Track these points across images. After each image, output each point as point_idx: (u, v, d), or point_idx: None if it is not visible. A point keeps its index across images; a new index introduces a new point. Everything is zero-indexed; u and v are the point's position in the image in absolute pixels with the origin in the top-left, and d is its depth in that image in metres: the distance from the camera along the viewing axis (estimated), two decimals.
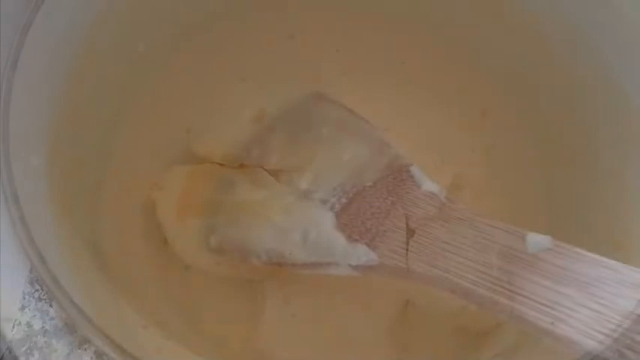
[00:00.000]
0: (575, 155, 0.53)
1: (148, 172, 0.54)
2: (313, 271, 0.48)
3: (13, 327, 0.37)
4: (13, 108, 0.39)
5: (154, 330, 0.47)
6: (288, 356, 0.52)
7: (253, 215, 0.51)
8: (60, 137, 0.44)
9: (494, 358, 0.48)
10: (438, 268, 0.42)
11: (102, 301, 0.46)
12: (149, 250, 0.53)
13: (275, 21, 0.56)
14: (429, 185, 0.46)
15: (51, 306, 0.38)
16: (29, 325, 0.37)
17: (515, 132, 0.56)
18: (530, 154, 0.56)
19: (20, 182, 0.39)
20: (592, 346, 0.37)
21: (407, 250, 0.44)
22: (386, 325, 0.53)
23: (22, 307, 0.37)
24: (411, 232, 0.44)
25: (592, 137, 0.51)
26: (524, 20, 0.51)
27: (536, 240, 0.40)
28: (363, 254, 0.45)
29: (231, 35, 0.56)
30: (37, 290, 0.38)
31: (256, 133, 0.55)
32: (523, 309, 0.38)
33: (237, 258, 0.51)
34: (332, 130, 0.52)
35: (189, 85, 0.55)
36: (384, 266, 0.44)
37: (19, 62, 0.39)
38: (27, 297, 0.37)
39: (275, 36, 0.57)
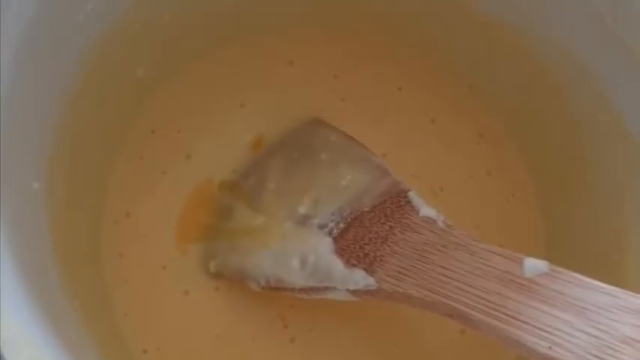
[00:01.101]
0: (572, 180, 0.53)
1: (148, 197, 0.54)
2: (312, 296, 0.48)
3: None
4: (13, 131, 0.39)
5: (154, 355, 0.47)
6: None
7: (252, 241, 0.51)
8: (59, 162, 0.44)
9: None
10: (436, 292, 0.42)
11: (101, 325, 0.46)
12: (148, 275, 0.53)
13: (274, 47, 0.57)
14: (426, 211, 0.47)
15: None
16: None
17: (512, 157, 0.57)
18: (527, 179, 0.56)
19: (20, 207, 0.39)
20: None
21: (405, 275, 0.44)
22: (389, 351, 0.53)
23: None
24: (409, 257, 0.44)
25: (589, 163, 0.51)
26: (521, 47, 0.51)
27: (534, 265, 0.40)
28: (361, 279, 0.45)
29: (230, 61, 0.56)
30: None
31: (255, 158, 0.56)
32: (521, 333, 0.38)
33: (236, 283, 0.52)
34: (330, 156, 0.52)
35: (189, 111, 0.56)
36: (382, 291, 0.44)
37: (17, 86, 0.39)
38: None
39: (274, 62, 0.57)
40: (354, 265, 0.46)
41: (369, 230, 0.47)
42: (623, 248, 0.48)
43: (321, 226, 0.49)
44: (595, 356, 0.37)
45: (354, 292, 0.46)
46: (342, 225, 0.49)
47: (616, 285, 0.38)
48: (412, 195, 0.48)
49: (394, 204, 0.48)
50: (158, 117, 0.55)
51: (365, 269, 0.45)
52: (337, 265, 0.47)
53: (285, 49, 0.57)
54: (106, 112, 0.50)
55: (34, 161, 0.42)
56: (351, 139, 0.53)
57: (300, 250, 0.49)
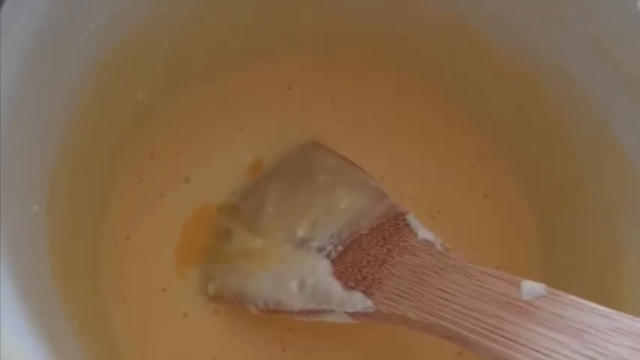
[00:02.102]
0: (569, 204, 0.53)
1: (148, 219, 0.54)
2: (310, 319, 0.48)
3: None
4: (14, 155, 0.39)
5: None
6: None
7: (251, 263, 0.51)
8: (59, 185, 0.44)
9: None
10: (434, 315, 0.42)
11: (100, 346, 0.46)
12: (147, 297, 0.53)
13: (272, 71, 0.57)
14: (424, 234, 0.47)
15: None
16: None
17: (509, 180, 0.57)
18: (524, 202, 0.57)
19: (20, 229, 0.39)
20: None
21: (403, 297, 0.44)
22: None
23: None
24: (406, 280, 0.45)
25: (586, 187, 0.51)
26: (520, 70, 0.51)
27: (531, 287, 0.40)
28: (359, 301, 0.45)
29: (229, 85, 0.56)
30: None
31: (254, 181, 0.56)
32: (518, 356, 0.39)
33: (235, 305, 0.52)
34: (328, 179, 0.53)
35: (188, 134, 0.56)
36: (381, 313, 0.44)
37: (17, 109, 0.39)
38: None
39: (272, 85, 0.57)
40: (352, 288, 0.46)
41: (368, 253, 0.48)
42: (620, 271, 0.48)
43: (320, 249, 0.49)
44: None
45: (353, 315, 0.46)
46: (340, 248, 0.49)
47: (613, 308, 0.38)
48: (410, 218, 0.48)
49: (392, 227, 0.48)
50: (157, 140, 0.55)
51: (363, 292, 0.46)
52: (335, 287, 0.47)
53: (283, 72, 0.57)
54: (106, 135, 0.50)
55: (34, 184, 0.42)
56: (348, 162, 0.54)
57: (298, 272, 0.49)
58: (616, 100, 0.46)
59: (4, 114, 0.38)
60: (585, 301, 0.39)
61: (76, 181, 0.47)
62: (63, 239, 0.44)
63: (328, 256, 0.49)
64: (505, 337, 0.39)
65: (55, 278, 0.42)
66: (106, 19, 0.44)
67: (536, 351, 0.38)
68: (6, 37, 0.38)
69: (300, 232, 0.51)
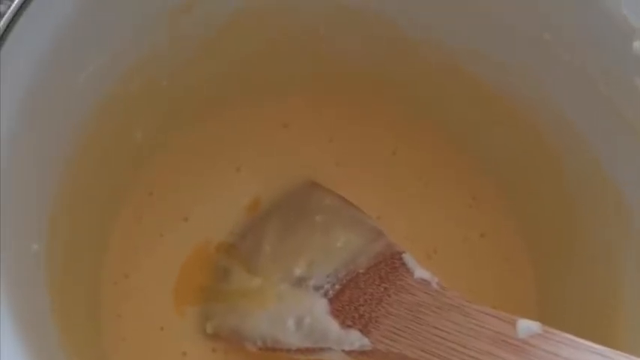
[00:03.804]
0: (565, 243, 0.53)
1: (146, 258, 0.55)
2: (308, 357, 0.48)
3: None
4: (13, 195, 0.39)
5: None
6: None
7: (248, 302, 0.52)
8: (59, 223, 0.44)
9: None
10: (431, 353, 0.42)
11: None
12: (146, 336, 0.53)
13: (269, 110, 0.57)
14: (421, 273, 0.47)
15: None
16: None
17: (505, 220, 0.57)
18: (520, 242, 0.57)
19: (20, 267, 0.39)
20: None
21: (400, 335, 0.44)
22: None
23: None
24: (403, 318, 0.45)
25: (582, 226, 0.51)
26: (516, 113, 0.52)
27: (527, 326, 0.40)
28: (356, 340, 0.45)
29: (227, 124, 0.57)
30: None
31: (251, 221, 0.56)
32: None
33: (233, 344, 0.52)
34: (326, 218, 0.53)
35: (186, 173, 0.56)
36: (378, 351, 0.45)
37: (16, 150, 0.39)
38: None
39: (270, 125, 0.58)
40: (349, 326, 0.46)
41: (364, 292, 0.48)
42: (615, 310, 0.48)
43: (317, 288, 0.50)
44: None
45: (350, 353, 0.46)
46: (337, 286, 0.49)
47: (607, 346, 0.38)
48: (407, 257, 0.48)
49: (389, 266, 0.48)
50: (156, 179, 0.56)
51: (360, 330, 0.46)
52: (333, 326, 0.47)
53: (280, 111, 0.58)
54: (105, 175, 0.51)
55: (33, 223, 0.42)
56: (345, 201, 0.54)
57: (296, 311, 0.49)
58: (614, 144, 0.46)
59: (4, 152, 0.38)
60: (580, 340, 0.39)
61: (75, 220, 0.47)
62: (62, 278, 0.45)
63: (325, 294, 0.49)
64: None
65: (54, 316, 0.42)
66: (106, 59, 0.44)
67: None
68: (6, 76, 0.38)
69: (298, 271, 0.51)
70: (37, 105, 0.40)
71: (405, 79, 0.56)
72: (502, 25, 0.48)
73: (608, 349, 0.38)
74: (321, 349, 0.47)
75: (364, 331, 0.46)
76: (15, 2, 0.39)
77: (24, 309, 0.38)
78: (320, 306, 0.48)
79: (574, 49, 0.45)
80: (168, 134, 0.56)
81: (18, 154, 0.39)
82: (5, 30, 0.38)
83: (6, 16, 0.39)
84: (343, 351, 0.46)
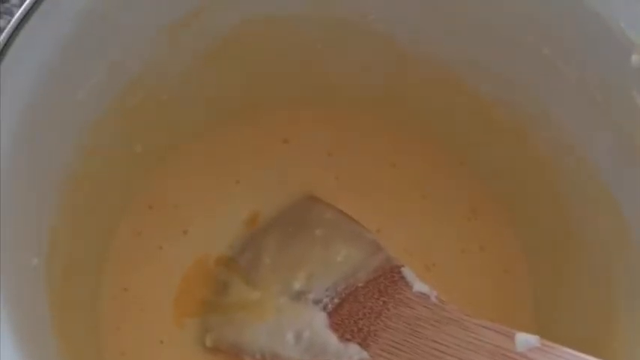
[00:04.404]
0: (563, 254, 0.53)
1: (146, 272, 0.55)
2: None
3: None
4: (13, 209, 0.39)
5: None
6: None
7: (247, 315, 0.52)
8: (59, 237, 0.45)
9: None
10: None
11: None
12: (145, 349, 0.53)
13: (270, 125, 0.57)
14: (420, 286, 0.47)
15: None
16: None
17: (504, 232, 0.57)
18: (519, 254, 0.57)
19: (20, 282, 0.40)
20: None
21: (399, 349, 0.44)
22: None
23: None
24: (402, 332, 0.45)
25: (580, 239, 0.51)
26: (516, 126, 0.52)
27: (525, 339, 0.41)
28: (355, 353, 0.46)
29: (227, 138, 0.57)
30: None
31: (251, 234, 0.56)
32: None
33: (232, 357, 0.52)
34: (325, 232, 0.53)
35: (186, 187, 0.57)
36: None
37: (16, 165, 0.39)
38: None
39: (269, 139, 0.58)
40: (348, 340, 0.47)
41: (364, 305, 0.48)
42: (612, 324, 0.48)
43: (316, 301, 0.50)
44: None
45: None
46: (336, 300, 0.49)
47: (605, 359, 0.39)
48: (405, 271, 0.49)
49: (388, 279, 0.49)
50: (155, 193, 0.56)
51: (359, 344, 0.46)
52: (332, 339, 0.47)
53: (280, 126, 0.58)
54: (105, 188, 0.51)
55: (33, 238, 0.42)
56: (345, 215, 0.54)
57: (295, 324, 0.49)
58: (613, 157, 0.46)
59: (4, 165, 0.38)
60: (578, 352, 0.39)
61: (75, 234, 0.47)
62: (62, 291, 0.45)
63: (324, 308, 0.49)
64: None
65: (54, 330, 0.42)
66: (105, 73, 0.45)
67: None
68: (6, 89, 0.38)
69: (297, 285, 0.51)
70: (36, 119, 0.40)
71: (404, 93, 0.56)
72: (502, 38, 0.48)
73: None
74: None
75: (363, 344, 0.46)
76: (15, 17, 0.39)
77: (24, 322, 0.38)
78: (319, 319, 0.48)
79: (573, 62, 0.45)
80: (168, 147, 0.56)
81: (18, 167, 0.39)
82: (5, 44, 0.39)
83: (6, 30, 0.39)
84: None
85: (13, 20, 0.39)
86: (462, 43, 0.50)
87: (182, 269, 0.55)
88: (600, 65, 0.44)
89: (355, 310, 0.48)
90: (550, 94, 0.48)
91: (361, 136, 0.58)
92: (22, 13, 0.39)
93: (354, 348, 0.46)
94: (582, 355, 0.39)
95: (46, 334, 0.41)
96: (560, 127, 0.49)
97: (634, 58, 0.42)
